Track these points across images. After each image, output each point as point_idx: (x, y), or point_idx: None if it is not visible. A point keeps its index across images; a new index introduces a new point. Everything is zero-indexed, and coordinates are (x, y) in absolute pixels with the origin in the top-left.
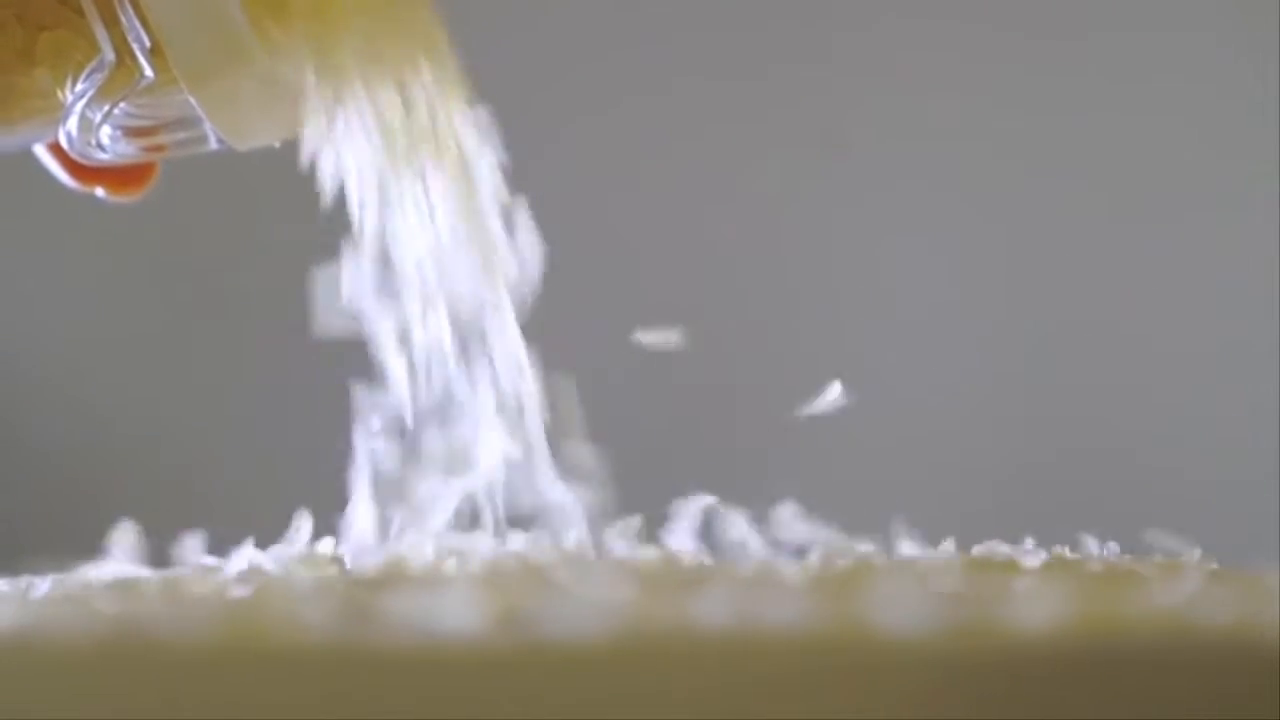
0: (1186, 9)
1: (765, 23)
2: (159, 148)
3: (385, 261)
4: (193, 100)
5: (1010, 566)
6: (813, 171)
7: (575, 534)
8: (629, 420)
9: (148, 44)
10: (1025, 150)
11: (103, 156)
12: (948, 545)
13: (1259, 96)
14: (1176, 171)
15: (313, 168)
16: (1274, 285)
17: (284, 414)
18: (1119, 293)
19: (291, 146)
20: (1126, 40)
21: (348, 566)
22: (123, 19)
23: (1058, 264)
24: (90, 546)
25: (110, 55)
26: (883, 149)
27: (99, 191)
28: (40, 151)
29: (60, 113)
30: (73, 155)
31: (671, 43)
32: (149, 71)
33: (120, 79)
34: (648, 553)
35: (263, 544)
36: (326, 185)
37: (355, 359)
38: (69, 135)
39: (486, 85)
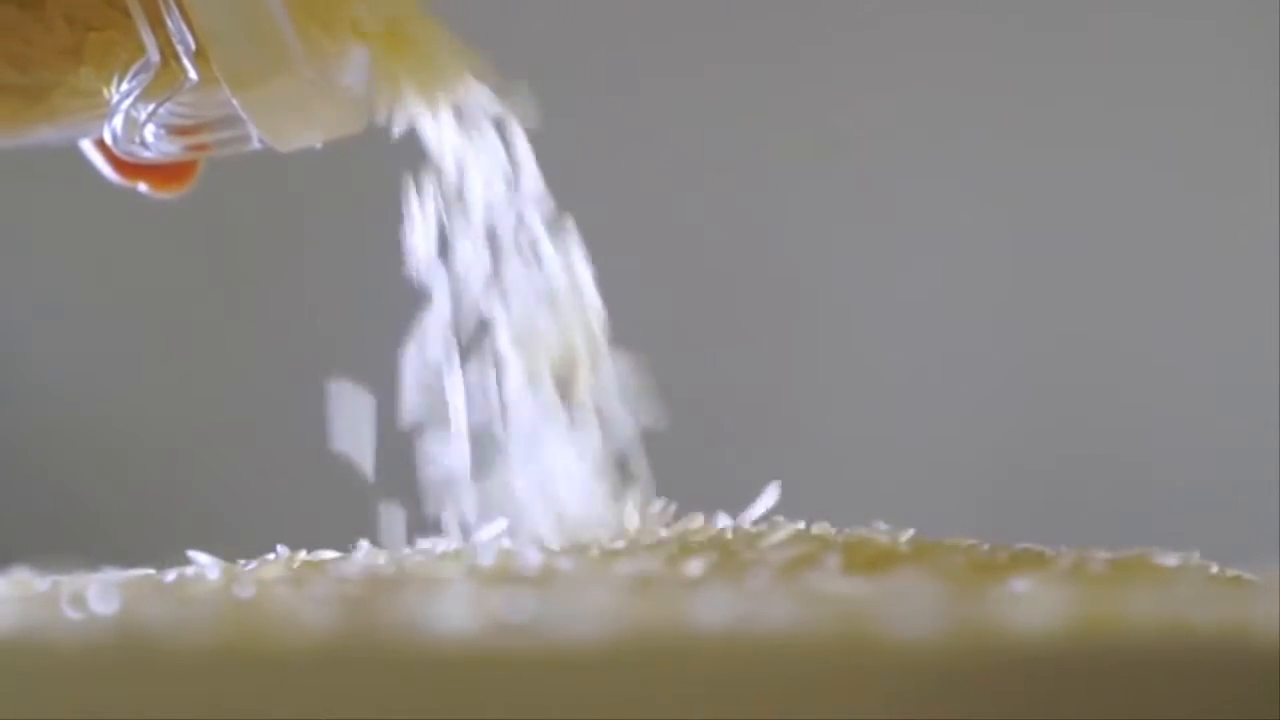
0: (1189, 3)
1: (765, 17)
2: (202, 146)
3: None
4: (235, 103)
5: (1010, 566)
6: (811, 168)
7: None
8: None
9: (193, 47)
10: (1026, 148)
11: (146, 154)
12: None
13: (1261, 92)
14: (1178, 171)
15: (318, 174)
16: (1275, 284)
17: (287, 416)
18: (1119, 292)
19: (311, 152)
20: (1129, 37)
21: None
22: (168, 22)
23: (1057, 262)
24: (90, 547)
25: (155, 57)
26: (882, 145)
27: (141, 187)
28: (86, 146)
29: (105, 110)
30: (117, 152)
31: (670, 39)
32: (193, 74)
33: (165, 80)
34: (648, 555)
35: (265, 547)
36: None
37: (358, 360)
38: (114, 133)
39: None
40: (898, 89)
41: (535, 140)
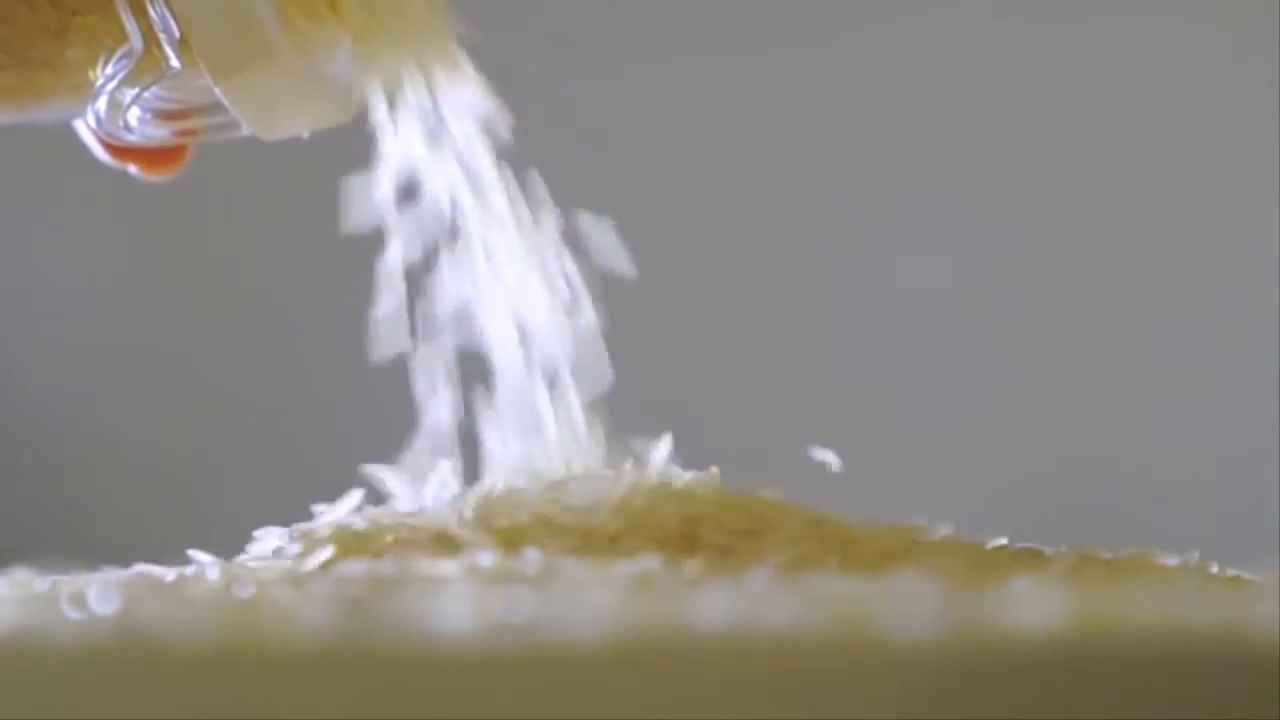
0: (1194, 2)
1: (766, 13)
2: (190, 131)
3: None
4: (218, 91)
5: (1010, 566)
6: (813, 166)
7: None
8: (620, 418)
9: (176, 35)
10: (1028, 148)
11: (131, 138)
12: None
13: (1263, 94)
14: (1180, 172)
15: (321, 166)
16: (1275, 285)
17: (287, 416)
18: (1120, 292)
19: (310, 146)
20: (1131, 34)
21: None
22: (151, 10)
23: (1057, 263)
24: (90, 547)
25: (138, 44)
26: (884, 144)
27: (131, 169)
28: (79, 127)
29: (92, 93)
30: (100, 135)
31: (670, 31)
32: (175, 62)
33: (149, 66)
34: (647, 558)
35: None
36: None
37: (358, 359)
38: (97, 115)
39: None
40: (901, 88)
41: (533, 135)
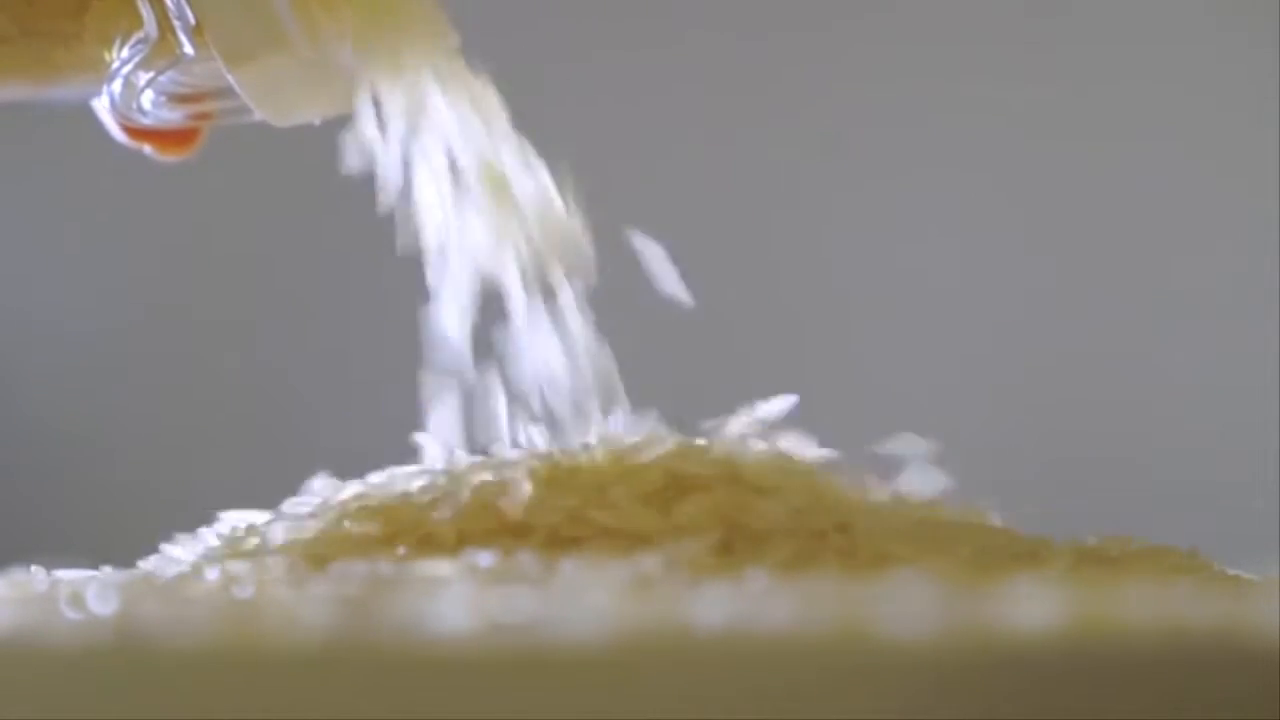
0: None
1: (759, 9)
2: (204, 115)
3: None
4: (231, 78)
5: (1010, 566)
6: (813, 166)
7: None
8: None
9: (191, 21)
10: (1026, 143)
11: (144, 120)
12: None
13: (1265, 91)
14: (1181, 169)
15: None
16: (1275, 285)
17: (288, 416)
18: (1119, 291)
19: (312, 134)
20: (1132, 32)
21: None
22: None
23: (1057, 260)
24: (91, 546)
25: (153, 31)
26: (880, 141)
27: (147, 150)
28: (97, 106)
29: (107, 74)
30: (114, 117)
31: (666, 29)
32: (189, 48)
33: (163, 51)
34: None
35: None
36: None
37: (358, 358)
38: (112, 97)
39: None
40: (896, 81)
41: (533, 129)
